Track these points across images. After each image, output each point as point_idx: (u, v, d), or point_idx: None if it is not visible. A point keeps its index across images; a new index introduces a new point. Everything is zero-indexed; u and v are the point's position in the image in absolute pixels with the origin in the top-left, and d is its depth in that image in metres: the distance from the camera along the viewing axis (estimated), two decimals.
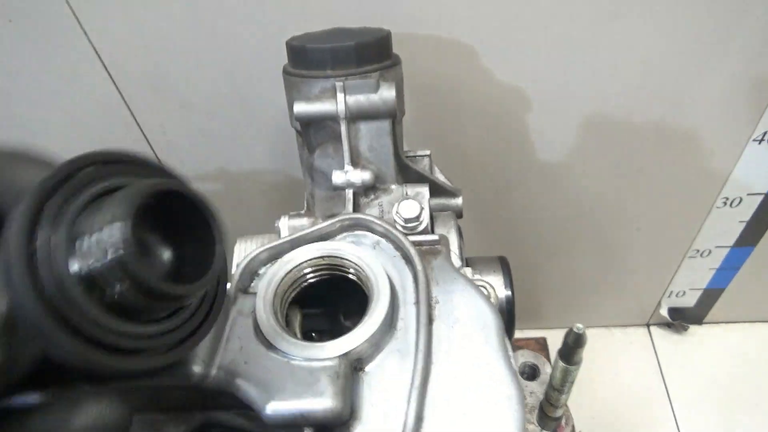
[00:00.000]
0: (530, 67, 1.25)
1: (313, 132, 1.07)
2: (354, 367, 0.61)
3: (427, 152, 1.21)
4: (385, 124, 1.03)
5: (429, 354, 0.59)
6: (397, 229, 0.68)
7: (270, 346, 0.61)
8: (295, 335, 0.61)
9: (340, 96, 0.99)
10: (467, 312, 0.64)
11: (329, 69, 0.99)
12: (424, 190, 1.09)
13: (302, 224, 1.17)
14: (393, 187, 1.08)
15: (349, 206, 1.02)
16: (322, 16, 1.17)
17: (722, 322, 1.87)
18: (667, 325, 1.91)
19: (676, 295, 1.83)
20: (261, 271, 0.71)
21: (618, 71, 1.23)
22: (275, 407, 0.56)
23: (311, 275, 0.68)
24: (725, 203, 1.55)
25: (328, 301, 0.75)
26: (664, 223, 1.61)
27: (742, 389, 1.72)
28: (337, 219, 0.71)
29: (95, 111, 1.42)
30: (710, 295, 1.81)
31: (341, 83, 0.99)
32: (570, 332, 0.75)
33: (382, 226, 0.69)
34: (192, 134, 1.50)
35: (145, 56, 1.30)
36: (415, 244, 0.69)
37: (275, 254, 0.71)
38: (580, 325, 0.75)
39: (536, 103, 1.35)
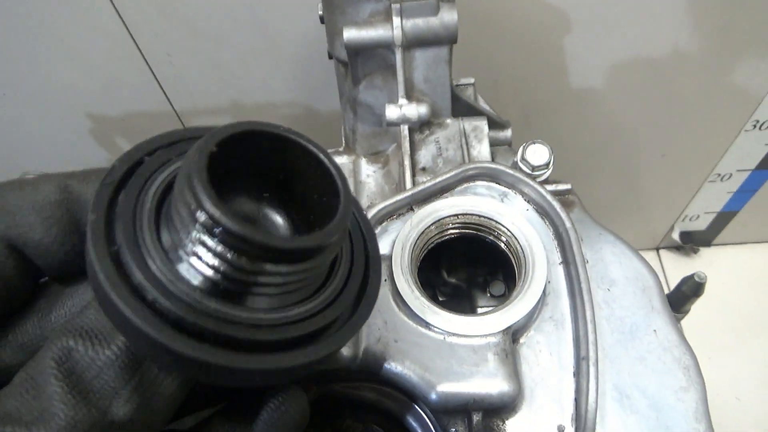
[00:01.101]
0: None
1: (361, 61, 0.95)
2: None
3: (471, 80, 1.11)
4: (444, 52, 0.93)
5: (594, 321, 0.52)
6: (533, 179, 0.59)
7: (419, 320, 0.53)
8: (439, 305, 0.53)
9: (396, 20, 0.87)
10: (622, 272, 0.57)
11: None
12: (482, 124, 1.00)
13: (343, 162, 1.07)
14: (448, 121, 0.99)
15: (406, 144, 0.93)
16: None
17: (730, 244, 1.89)
18: (676, 249, 1.92)
19: (690, 219, 1.82)
20: (377, 231, 0.61)
21: None
22: (443, 392, 0.49)
23: (449, 236, 0.59)
24: (755, 126, 1.51)
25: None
26: (690, 148, 1.58)
27: (752, 310, 1.75)
28: (461, 169, 0.62)
29: (93, 38, 1.25)
30: (723, 218, 1.81)
31: (398, 5, 0.86)
32: (689, 279, 0.70)
33: (515, 176, 0.60)
34: (202, 64, 1.35)
35: None
36: None
37: (393, 211, 0.62)
38: (702, 273, 0.69)
39: (575, 26, 1.26)
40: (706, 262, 1.88)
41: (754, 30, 1.24)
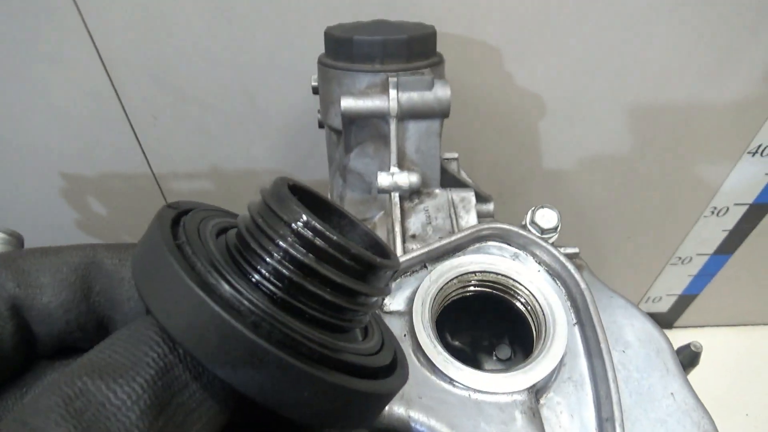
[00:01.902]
0: (548, 74, 1.22)
1: (355, 130, 0.98)
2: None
3: (455, 155, 1.15)
4: (436, 125, 0.96)
5: (617, 381, 0.51)
6: (545, 240, 0.60)
7: (442, 376, 0.51)
8: (463, 362, 0.52)
9: (392, 92, 0.90)
10: (635, 335, 0.57)
11: (378, 63, 0.90)
12: (470, 195, 1.02)
13: None
14: (437, 191, 1.01)
15: (396, 211, 0.93)
16: (338, 10, 1.07)
17: (691, 327, 1.93)
18: None
19: (653, 301, 1.86)
20: (391, 287, 0.60)
21: (631, 84, 1.23)
22: None
23: (468, 293, 0.58)
24: (713, 212, 1.59)
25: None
26: (654, 231, 1.64)
27: (711, 392, 1.77)
28: (476, 229, 0.62)
29: (79, 98, 1.24)
30: (684, 301, 1.86)
31: (395, 78, 0.90)
32: (685, 349, 0.71)
33: (528, 238, 0.61)
34: (187, 128, 1.35)
35: (143, 43, 1.14)
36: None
37: (407, 268, 0.61)
38: (698, 343, 0.70)
39: (548, 112, 1.33)
40: None
41: (711, 125, 1.34)
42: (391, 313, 0.58)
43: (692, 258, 1.72)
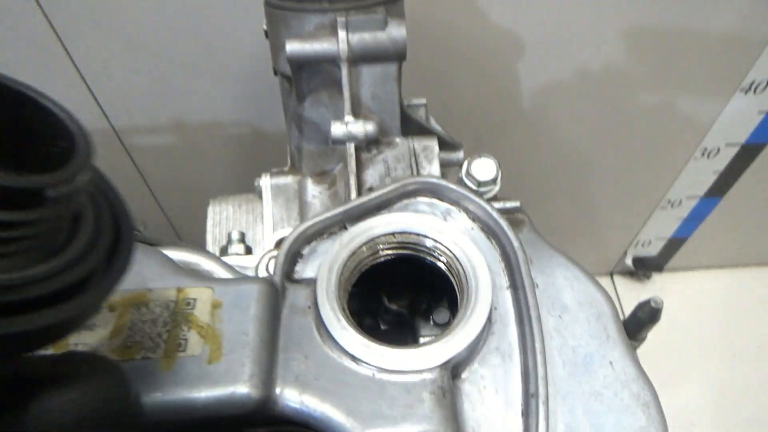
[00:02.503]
0: (527, 11, 1.12)
1: (306, 77, 0.89)
2: (452, 375, 0.46)
3: (423, 101, 1.05)
4: (392, 69, 0.87)
5: (544, 353, 0.44)
6: (479, 195, 0.53)
7: (345, 353, 0.45)
8: (372, 336, 0.45)
9: (341, 33, 0.81)
10: (575, 298, 0.51)
11: (326, 1, 0.81)
12: (433, 144, 0.94)
13: (287, 183, 1.00)
14: (397, 140, 0.92)
15: (352, 162, 0.85)
16: None
17: (681, 270, 1.87)
18: (629, 274, 1.89)
19: (642, 245, 1.80)
20: (305, 251, 0.53)
21: (615, 19, 1.13)
22: None
23: (384, 257, 0.51)
24: (703, 154, 1.50)
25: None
26: (642, 174, 1.56)
27: (703, 335, 1.73)
28: (401, 184, 0.54)
29: (22, 47, 1.15)
30: (673, 245, 1.79)
31: (343, 18, 0.80)
32: (645, 305, 0.64)
33: (459, 192, 0.53)
34: (141, 78, 1.26)
35: None
36: None
37: (323, 229, 0.54)
38: (659, 298, 0.63)
39: (529, 49, 1.22)
40: (658, 288, 1.86)
41: (702, 59, 1.23)
42: (301, 280, 0.51)
43: (682, 201, 1.64)
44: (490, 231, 0.53)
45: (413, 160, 0.93)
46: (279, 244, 0.75)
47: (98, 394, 0.33)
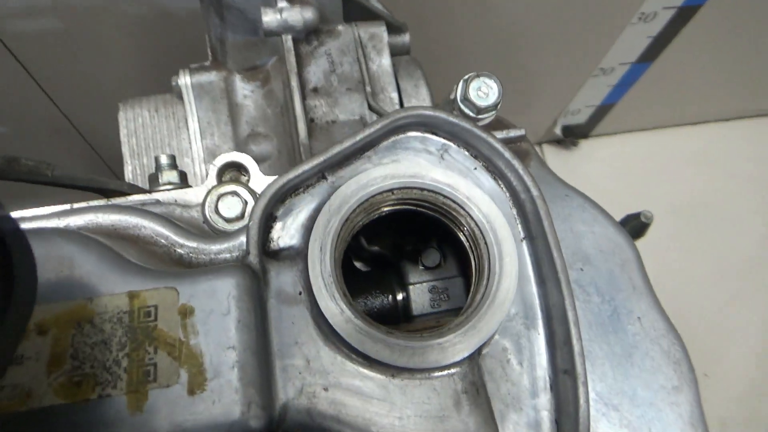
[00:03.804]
0: None
1: None
2: None
3: None
4: None
5: (578, 325, 0.38)
6: (486, 131, 0.42)
7: (355, 352, 0.36)
8: (383, 328, 0.36)
9: None
10: (596, 245, 0.43)
11: None
12: (381, 31, 0.82)
13: (211, 80, 0.85)
14: (340, 28, 0.79)
15: (291, 58, 0.72)
16: None
17: (605, 135, 1.87)
18: (557, 142, 1.87)
19: (572, 114, 1.77)
20: (279, 212, 0.42)
21: None
22: None
23: (383, 214, 0.41)
24: (640, 18, 1.43)
25: None
26: (578, 42, 1.48)
27: (626, 197, 1.77)
28: (389, 120, 0.43)
29: None
30: (602, 111, 1.77)
31: None
32: (634, 219, 0.59)
33: (461, 126, 0.42)
34: None
35: None
36: None
37: (299, 183, 0.42)
38: (649, 213, 0.58)
39: None
40: (585, 154, 1.87)
41: None
42: (280, 251, 0.40)
43: (614, 68, 1.59)
44: (497, 172, 0.44)
45: (360, 52, 0.80)
46: (222, 172, 0.62)
47: None
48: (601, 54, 1.53)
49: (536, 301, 0.42)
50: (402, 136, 0.44)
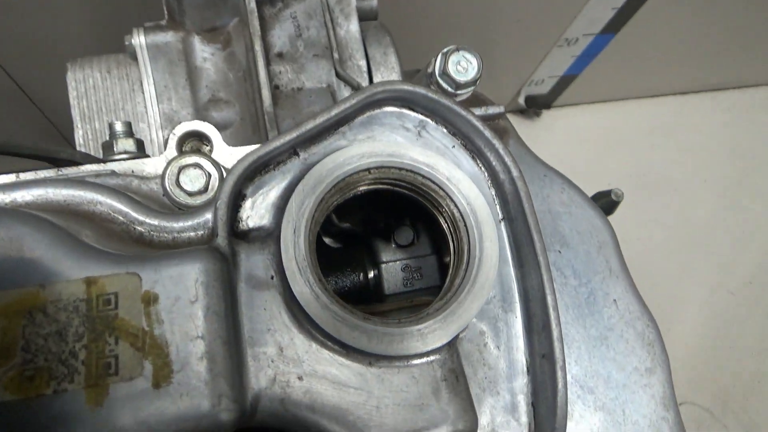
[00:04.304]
0: None
1: None
2: None
3: None
4: None
5: (557, 309, 0.37)
6: (466, 109, 0.40)
7: (330, 339, 0.34)
8: (359, 314, 0.35)
9: None
10: (574, 226, 0.43)
11: None
12: None
13: (168, 41, 0.80)
14: None
15: (254, 21, 0.69)
16: None
17: (567, 105, 1.88)
18: (520, 112, 1.87)
19: (535, 84, 1.76)
20: (247, 191, 0.39)
21: None
22: None
23: (359, 193, 0.39)
24: None
25: None
26: (543, 13, 1.47)
27: (581, 165, 1.79)
28: (365, 95, 0.40)
29: None
30: (564, 82, 1.77)
31: None
32: (604, 196, 0.59)
33: (438, 102, 0.40)
34: None
35: None
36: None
37: (270, 160, 0.39)
38: (620, 191, 0.58)
39: None
40: (547, 124, 1.87)
41: None
42: (249, 232, 0.38)
43: (578, 39, 1.59)
44: (476, 150, 0.42)
45: (328, 16, 0.77)
46: (181, 143, 0.58)
47: None
48: (565, 24, 1.52)
49: (514, 284, 0.41)
50: (378, 111, 0.42)
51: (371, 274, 0.50)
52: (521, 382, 0.39)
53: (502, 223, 0.42)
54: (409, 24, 1.41)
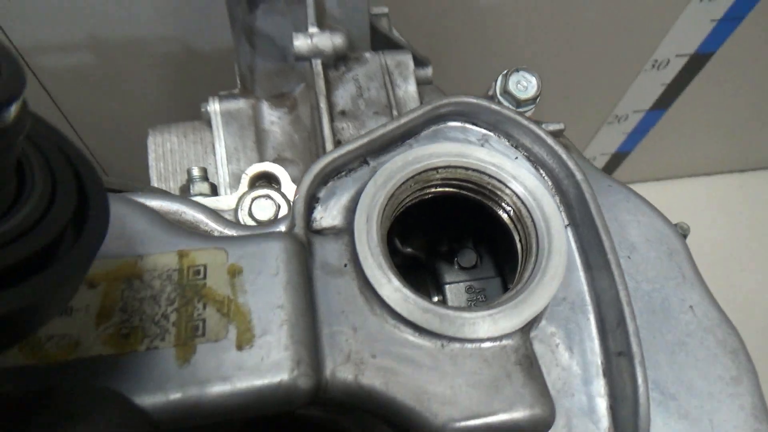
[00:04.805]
0: None
1: None
2: None
3: (385, 10, 0.93)
4: None
5: (631, 304, 0.37)
6: (525, 117, 0.43)
7: (403, 321, 0.35)
8: (431, 299, 0.36)
9: None
10: (642, 234, 0.43)
11: None
12: (407, 59, 0.84)
13: (240, 107, 0.86)
14: (367, 55, 0.81)
15: (320, 82, 0.74)
16: None
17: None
18: None
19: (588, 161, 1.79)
20: (321, 194, 0.42)
21: None
22: (453, 426, 0.32)
23: (427, 196, 0.41)
24: (654, 65, 1.47)
25: None
26: (592, 90, 1.52)
27: None
28: (431, 106, 0.43)
29: None
30: (617, 159, 1.79)
31: None
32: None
33: (502, 114, 0.43)
34: None
35: None
36: None
37: (341, 166, 0.43)
38: (685, 224, 0.58)
39: None
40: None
41: None
42: (322, 231, 0.40)
43: (629, 115, 1.62)
44: (538, 160, 0.44)
45: (387, 78, 0.82)
46: (254, 182, 0.63)
47: None
48: (614, 101, 1.56)
49: (584, 288, 0.41)
50: (442, 125, 0.45)
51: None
52: (598, 384, 0.38)
53: (569, 229, 0.43)
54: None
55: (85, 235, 0.25)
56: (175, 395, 0.29)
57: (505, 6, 1.23)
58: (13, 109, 0.22)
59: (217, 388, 0.30)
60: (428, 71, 0.88)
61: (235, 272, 0.33)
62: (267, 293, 0.33)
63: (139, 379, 0.28)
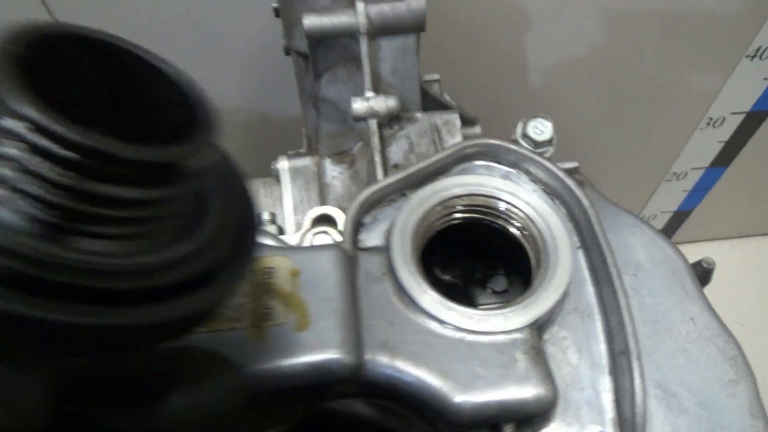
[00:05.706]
0: None
1: (323, 52, 0.87)
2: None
3: (436, 76, 1.04)
4: (411, 41, 0.86)
5: (630, 309, 0.44)
6: (540, 155, 0.52)
7: (430, 316, 0.44)
8: (453, 300, 0.44)
9: (359, 5, 0.79)
10: (647, 255, 0.50)
11: None
12: (454, 118, 0.93)
13: (305, 164, 0.98)
14: (418, 115, 0.92)
15: (375, 139, 0.84)
16: None
17: (686, 243, 1.89)
18: None
19: (648, 219, 1.81)
20: (366, 220, 0.52)
21: None
22: (470, 401, 0.40)
23: (454, 221, 0.50)
24: (708, 123, 1.51)
25: None
26: (648, 148, 1.56)
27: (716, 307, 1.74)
28: (459, 147, 0.54)
29: None
30: (679, 217, 1.80)
31: None
32: (696, 266, 0.64)
33: (520, 153, 0.52)
34: None
35: None
36: None
37: (383, 197, 0.53)
38: (711, 259, 0.64)
39: (535, 24, 1.22)
40: None
41: (707, 27, 1.23)
42: (367, 249, 0.50)
43: (687, 173, 1.65)
44: (554, 192, 0.53)
45: (436, 135, 0.92)
46: (315, 223, 0.74)
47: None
48: (671, 159, 1.59)
49: (593, 300, 0.49)
50: (470, 164, 0.55)
51: None
52: (604, 381, 0.45)
53: (580, 251, 0.50)
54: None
55: (242, 255, 0.32)
56: (255, 366, 0.39)
57: (559, 69, 1.32)
58: (214, 151, 0.28)
59: (283, 362, 0.39)
60: (477, 130, 0.98)
61: (295, 273, 0.43)
62: (320, 290, 0.43)
63: (223, 352, 0.38)
